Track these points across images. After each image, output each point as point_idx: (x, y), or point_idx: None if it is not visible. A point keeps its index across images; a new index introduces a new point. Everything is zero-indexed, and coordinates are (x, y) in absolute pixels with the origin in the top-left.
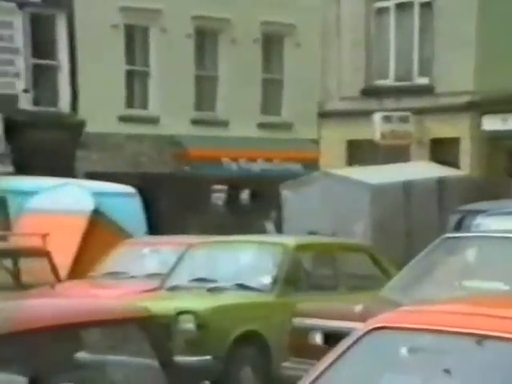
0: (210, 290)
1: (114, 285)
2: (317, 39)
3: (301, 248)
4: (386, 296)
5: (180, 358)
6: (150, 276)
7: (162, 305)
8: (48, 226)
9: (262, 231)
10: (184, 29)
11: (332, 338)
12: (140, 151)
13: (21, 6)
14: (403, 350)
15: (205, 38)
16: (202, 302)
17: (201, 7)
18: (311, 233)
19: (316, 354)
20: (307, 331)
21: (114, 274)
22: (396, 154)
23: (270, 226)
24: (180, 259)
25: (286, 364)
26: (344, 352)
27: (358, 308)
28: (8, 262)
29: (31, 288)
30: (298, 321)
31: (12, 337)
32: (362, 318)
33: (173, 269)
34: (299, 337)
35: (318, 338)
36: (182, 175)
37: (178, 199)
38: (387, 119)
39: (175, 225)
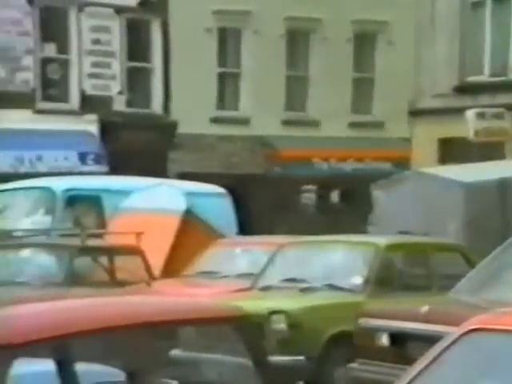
0: (301, 290)
1: (207, 284)
2: (410, 36)
3: (392, 248)
4: (455, 297)
5: (273, 358)
6: (242, 276)
7: (254, 304)
8: (141, 225)
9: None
10: (276, 30)
11: (398, 338)
12: (231, 152)
13: (118, 11)
14: (502, 353)
15: (296, 39)
16: (293, 302)
17: (293, 8)
18: (403, 233)
19: (382, 355)
20: (373, 332)
21: (206, 274)
22: (490, 151)
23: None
24: (271, 259)
25: (352, 365)
26: (439, 355)
27: (424, 309)
28: (104, 260)
29: (126, 285)
30: (363, 321)
31: (111, 332)
32: (428, 318)
33: (264, 269)
34: (365, 338)
35: (384, 339)
36: (273, 175)
37: (268, 199)
38: (481, 116)
39: (266, 225)
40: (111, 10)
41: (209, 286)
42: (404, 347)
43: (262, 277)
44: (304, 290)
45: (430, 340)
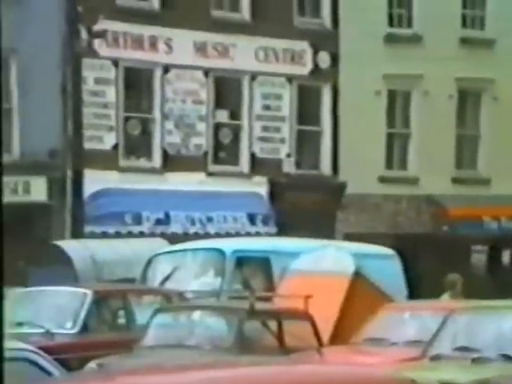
0: (474, 360)
1: (375, 352)
2: None
3: None
4: None
5: None
6: (411, 343)
7: (424, 376)
8: (310, 288)
9: None
10: (446, 90)
11: None
12: (398, 211)
13: (290, 79)
14: None
15: (467, 98)
16: (466, 375)
17: (464, 69)
18: None
19: None
20: None
21: (374, 341)
22: None
23: None
24: (442, 325)
25: None
26: None
27: None
28: (272, 324)
29: (295, 352)
30: None
31: None
32: None
33: (434, 336)
34: None
35: None
36: (441, 235)
37: (436, 260)
38: None
39: (433, 287)
40: (283, 79)
41: (377, 354)
42: None
43: (432, 345)
44: (476, 361)
45: None
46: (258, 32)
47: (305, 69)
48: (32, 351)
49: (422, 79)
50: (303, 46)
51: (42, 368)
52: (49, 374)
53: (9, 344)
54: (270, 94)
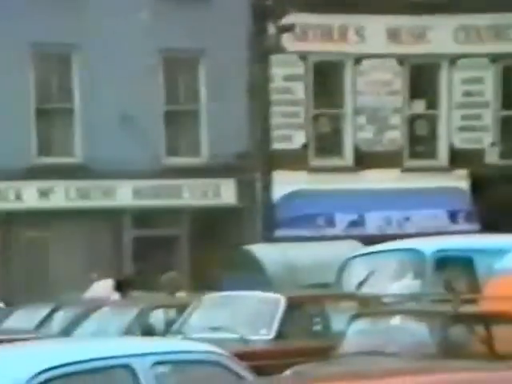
0: None
1: None
2: None
3: None
4: None
5: None
6: None
7: None
8: None
9: None
10: None
11: None
12: None
13: (493, 59)
14: None
15: None
16: None
17: None
18: None
19: None
20: None
21: None
22: None
23: None
24: None
25: None
26: None
27: None
28: (479, 329)
29: (507, 359)
30: None
31: None
32: None
33: None
34: None
35: None
36: None
37: None
38: None
39: None
40: (486, 60)
41: None
42: None
43: None
44: None
45: None
46: (457, 9)
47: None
48: (226, 356)
49: None
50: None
51: (236, 373)
52: (242, 379)
53: (203, 347)
54: (470, 78)
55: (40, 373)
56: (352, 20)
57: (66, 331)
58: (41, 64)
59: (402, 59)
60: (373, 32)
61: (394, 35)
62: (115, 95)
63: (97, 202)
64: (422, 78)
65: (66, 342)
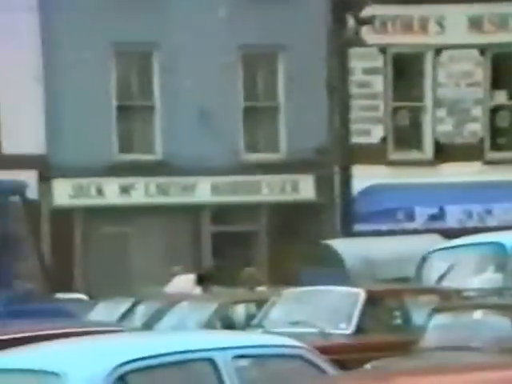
0: None
1: None
2: None
3: None
4: None
5: None
6: None
7: None
8: None
9: None
10: None
11: None
12: None
13: None
14: None
15: None
16: None
17: None
18: None
19: None
20: None
21: None
22: None
23: None
24: None
25: None
26: None
27: None
28: None
29: None
30: None
31: None
32: None
33: None
34: None
35: None
36: None
37: None
38: None
39: None
40: None
41: None
42: None
43: None
44: None
45: None
46: None
47: None
48: (307, 349)
49: None
50: None
51: (317, 367)
52: (324, 373)
53: (284, 341)
54: None
55: (120, 365)
56: (432, 10)
57: (148, 325)
58: (122, 62)
59: (483, 49)
60: (453, 22)
61: (475, 24)
62: (194, 92)
63: (176, 198)
64: (503, 68)
65: (148, 335)
